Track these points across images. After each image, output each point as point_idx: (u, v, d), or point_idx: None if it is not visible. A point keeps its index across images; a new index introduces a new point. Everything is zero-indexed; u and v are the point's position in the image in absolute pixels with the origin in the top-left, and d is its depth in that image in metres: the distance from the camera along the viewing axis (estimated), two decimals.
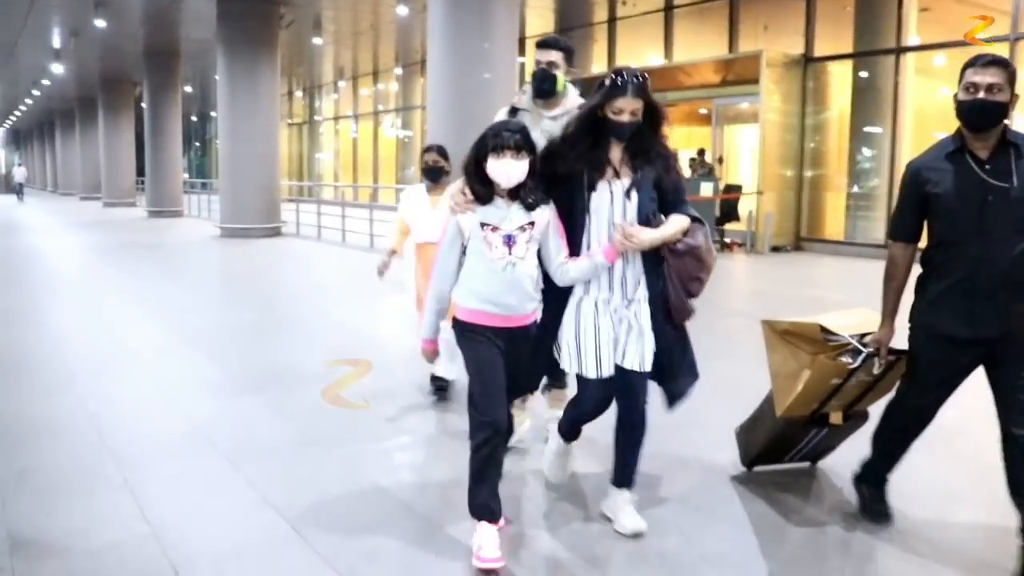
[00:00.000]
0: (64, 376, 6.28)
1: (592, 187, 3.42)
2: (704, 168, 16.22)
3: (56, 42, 23.84)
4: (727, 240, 15.36)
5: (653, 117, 3.44)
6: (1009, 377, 3.31)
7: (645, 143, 3.44)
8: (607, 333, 3.45)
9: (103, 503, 3.88)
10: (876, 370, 3.68)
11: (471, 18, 10.13)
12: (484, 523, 3.37)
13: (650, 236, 3.38)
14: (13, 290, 10.82)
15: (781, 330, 3.87)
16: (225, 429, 4.98)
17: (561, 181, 3.43)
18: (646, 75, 3.42)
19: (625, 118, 3.36)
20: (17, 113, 50.68)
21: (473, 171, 3.36)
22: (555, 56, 4.29)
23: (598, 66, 20.14)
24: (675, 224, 3.43)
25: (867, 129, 15.11)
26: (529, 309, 3.43)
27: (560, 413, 4.15)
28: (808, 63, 15.41)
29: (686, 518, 3.75)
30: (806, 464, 4.29)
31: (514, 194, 3.35)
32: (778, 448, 4.13)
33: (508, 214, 3.36)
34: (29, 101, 41.89)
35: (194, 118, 46.09)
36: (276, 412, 5.34)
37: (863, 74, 15.05)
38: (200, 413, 5.32)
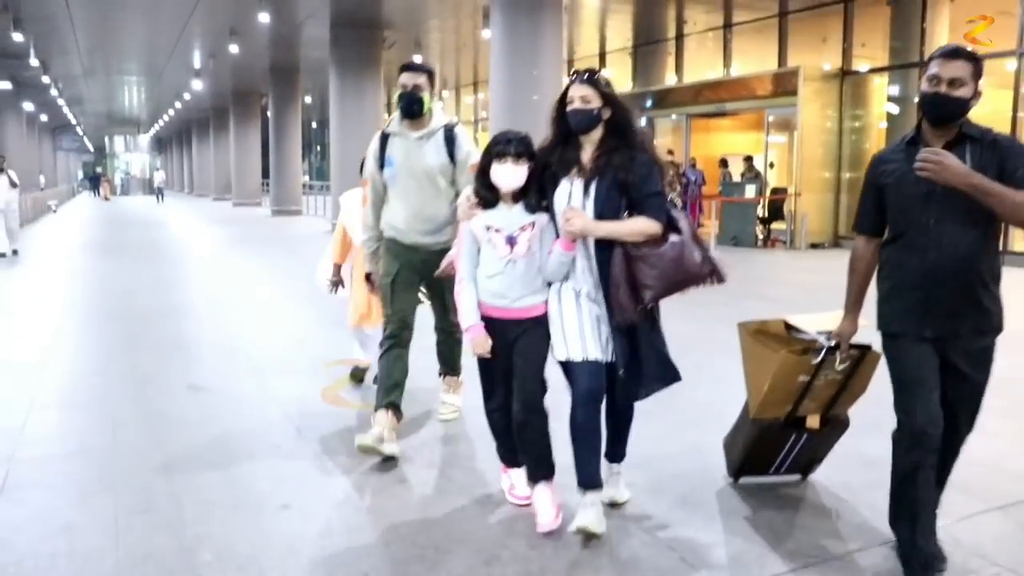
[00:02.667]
0: (214, 315, 9.05)
1: (556, 184, 3.54)
2: (752, 173, 18.06)
3: (196, 63, 27.40)
4: (772, 237, 17.31)
5: (617, 114, 3.49)
6: (950, 390, 3.20)
7: (615, 141, 3.48)
8: (589, 319, 3.50)
9: (241, 385, 6.40)
10: (839, 365, 3.66)
11: (523, 48, 12.39)
12: (513, 468, 3.95)
13: (587, 223, 3.41)
14: (166, 267, 13.78)
15: (752, 330, 3.93)
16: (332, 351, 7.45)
17: (543, 181, 3.61)
18: (597, 69, 3.61)
19: (576, 104, 3.44)
20: (160, 123, 55.52)
21: (480, 178, 3.63)
22: (421, 79, 4.46)
23: (669, 78, 22.16)
24: (627, 223, 3.42)
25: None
26: (532, 302, 3.60)
27: (455, 398, 5.19)
28: (845, 76, 17.11)
29: (690, 518, 3.79)
30: (796, 477, 4.17)
31: (518, 197, 3.58)
32: (760, 457, 4.05)
33: (510, 216, 3.58)
34: (171, 112, 46.18)
35: (313, 125, 49.57)
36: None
37: (894, 85, 16.67)
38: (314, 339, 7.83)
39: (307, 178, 34.76)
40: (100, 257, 15.86)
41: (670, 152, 20.28)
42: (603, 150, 3.48)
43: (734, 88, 19.14)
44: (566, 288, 3.54)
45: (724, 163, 19.96)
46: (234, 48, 22.35)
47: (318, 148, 52.70)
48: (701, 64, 21.69)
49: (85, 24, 21.65)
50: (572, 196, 3.47)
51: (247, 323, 8.68)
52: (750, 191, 17.20)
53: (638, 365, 3.50)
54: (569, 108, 3.47)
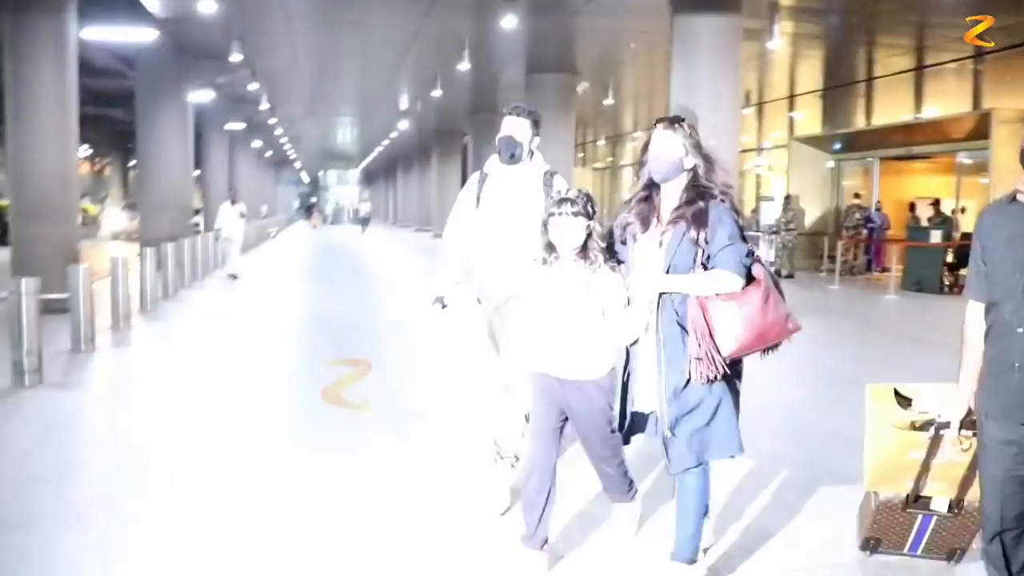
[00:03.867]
0: (404, 333, 10.17)
1: (635, 239, 3.46)
2: (939, 217, 17.78)
3: (403, 105, 29.57)
4: (959, 283, 16.96)
5: (700, 162, 3.38)
6: None
7: (696, 191, 3.36)
8: (663, 373, 3.38)
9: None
10: (955, 446, 3.34)
11: (700, 91, 13.00)
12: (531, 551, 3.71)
13: (657, 280, 3.34)
14: (364, 290, 15.30)
15: (879, 393, 3.65)
16: None
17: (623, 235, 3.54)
18: (681, 118, 3.47)
19: (658, 153, 3.38)
20: (369, 158, 59.46)
21: (542, 236, 3.58)
22: (522, 124, 4.43)
23: (859, 121, 22.03)
24: (700, 277, 3.29)
25: None
26: (584, 364, 3.54)
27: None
28: None
29: None
30: (942, 561, 3.80)
31: (580, 256, 3.51)
32: (889, 532, 3.75)
33: (568, 273, 3.53)
34: (379, 149, 49.63)
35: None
36: None
37: None
38: None
39: None
40: (308, 280, 17.94)
41: (856, 196, 20.23)
42: (682, 200, 3.38)
43: (925, 131, 18.95)
44: (648, 344, 3.42)
45: (913, 207, 19.70)
46: (438, 92, 24.14)
47: None
48: (891, 106, 21.47)
49: (308, 74, 24.29)
50: (648, 249, 3.40)
51: (438, 344, 9.28)
52: (936, 236, 16.96)
53: (677, 421, 3.35)
54: (651, 156, 3.41)
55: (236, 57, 18.12)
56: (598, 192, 41.80)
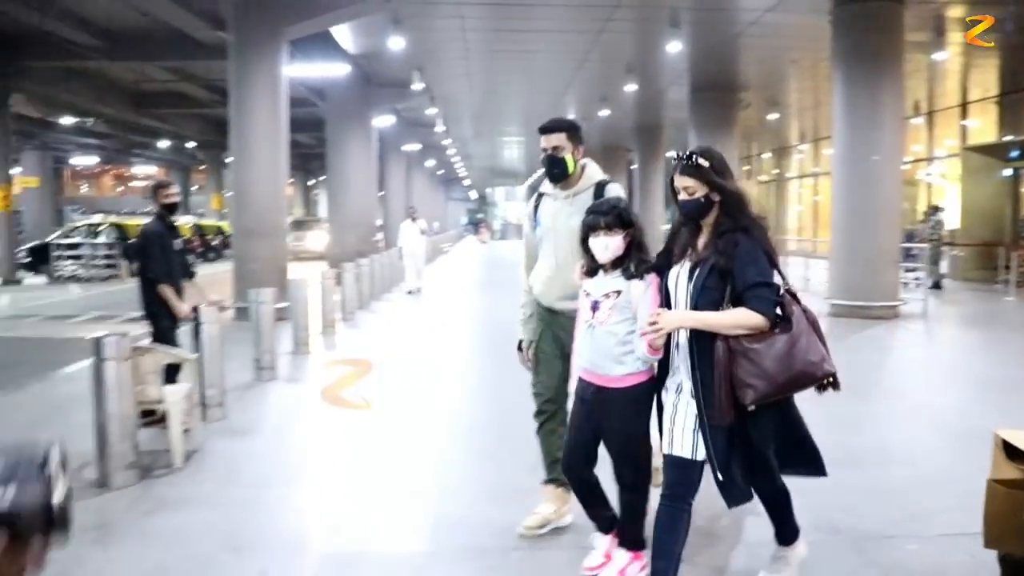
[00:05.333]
0: None
1: (670, 268, 3.41)
2: None
3: None
4: None
5: (726, 197, 3.27)
6: None
7: (726, 225, 3.25)
8: (683, 413, 3.29)
9: None
10: None
11: (862, 109, 13.28)
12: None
13: (679, 317, 3.24)
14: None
15: (1001, 441, 3.32)
16: None
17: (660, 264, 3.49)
18: (699, 154, 3.30)
19: (683, 196, 3.30)
20: (536, 175, 61.09)
21: (584, 249, 3.60)
22: (559, 139, 4.15)
23: None
24: (724, 315, 3.16)
25: None
26: (616, 372, 3.54)
27: (551, 510, 4.36)
28: None
29: None
30: None
31: (617, 264, 3.53)
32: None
33: (603, 282, 3.56)
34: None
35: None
36: None
37: None
38: None
39: (667, 226, 36.72)
40: (479, 292, 19.40)
41: None
42: (711, 235, 3.29)
43: None
44: (672, 380, 3.40)
45: None
46: (604, 112, 25.09)
47: None
48: None
49: (480, 98, 25.99)
50: (679, 282, 3.33)
51: None
52: None
53: (748, 462, 3.25)
54: (679, 198, 3.34)
55: (417, 85, 19.65)
56: (765, 203, 41.60)
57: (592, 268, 3.60)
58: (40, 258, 25.61)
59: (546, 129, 4.22)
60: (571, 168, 4.18)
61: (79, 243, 26.24)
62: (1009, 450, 3.26)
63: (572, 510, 4.35)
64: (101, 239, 26.56)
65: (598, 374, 3.59)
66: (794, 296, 3.29)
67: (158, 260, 6.66)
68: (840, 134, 13.79)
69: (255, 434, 6.66)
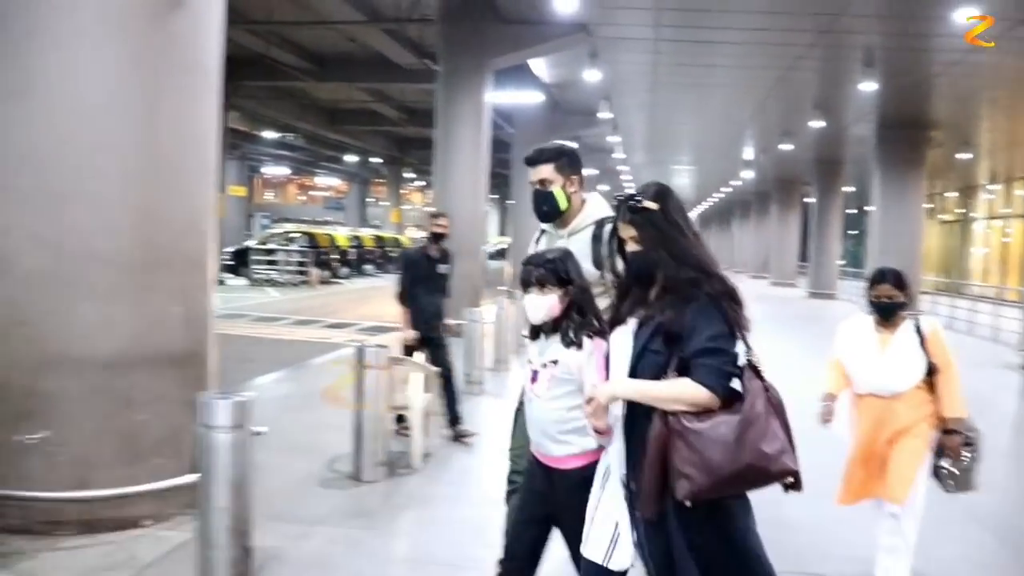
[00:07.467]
0: None
1: (615, 328, 2.79)
2: None
3: (747, 156, 30.69)
4: None
5: (667, 249, 2.64)
6: None
7: (676, 280, 2.64)
8: (605, 505, 2.76)
9: None
10: None
11: None
12: None
13: (611, 387, 2.67)
14: None
15: None
16: None
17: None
18: (639, 196, 2.69)
19: (629, 247, 2.72)
20: (705, 204, 60.81)
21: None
22: (545, 171, 3.53)
23: None
24: (664, 384, 2.55)
25: None
26: (556, 452, 3.00)
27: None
28: None
29: None
30: None
31: (556, 326, 3.02)
32: None
33: (542, 348, 3.06)
34: (716, 196, 50.83)
35: (850, 211, 50.50)
36: None
37: None
38: None
39: (842, 262, 35.89)
40: None
41: None
42: (657, 291, 2.67)
43: None
44: (600, 463, 2.82)
45: None
46: (785, 146, 24.99)
47: (854, 234, 53.04)
48: None
49: (660, 127, 26.49)
50: (622, 345, 2.71)
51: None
52: None
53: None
54: (625, 249, 2.74)
55: (605, 114, 20.26)
56: (945, 246, 39.96)
57: (535, 330, 3.10)
58: (240, 261, 27.66)
59: (531, 160, 3.60)
60: (562, 204, 3.54)
61: (275, 249, 28.18)
62: None
63: None
64: (294, 246, 28.43)
65: (542, 452, 3.08)
66: (756, 371, 2.63)
67: (400, 282, 7.19)
68: None
69: (477, 442, 7.23)
